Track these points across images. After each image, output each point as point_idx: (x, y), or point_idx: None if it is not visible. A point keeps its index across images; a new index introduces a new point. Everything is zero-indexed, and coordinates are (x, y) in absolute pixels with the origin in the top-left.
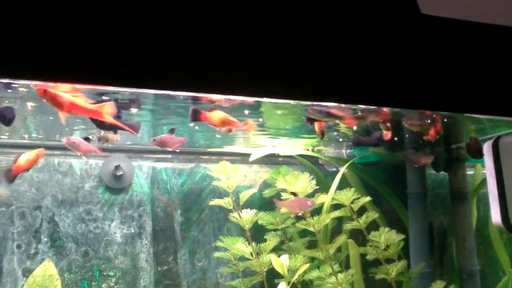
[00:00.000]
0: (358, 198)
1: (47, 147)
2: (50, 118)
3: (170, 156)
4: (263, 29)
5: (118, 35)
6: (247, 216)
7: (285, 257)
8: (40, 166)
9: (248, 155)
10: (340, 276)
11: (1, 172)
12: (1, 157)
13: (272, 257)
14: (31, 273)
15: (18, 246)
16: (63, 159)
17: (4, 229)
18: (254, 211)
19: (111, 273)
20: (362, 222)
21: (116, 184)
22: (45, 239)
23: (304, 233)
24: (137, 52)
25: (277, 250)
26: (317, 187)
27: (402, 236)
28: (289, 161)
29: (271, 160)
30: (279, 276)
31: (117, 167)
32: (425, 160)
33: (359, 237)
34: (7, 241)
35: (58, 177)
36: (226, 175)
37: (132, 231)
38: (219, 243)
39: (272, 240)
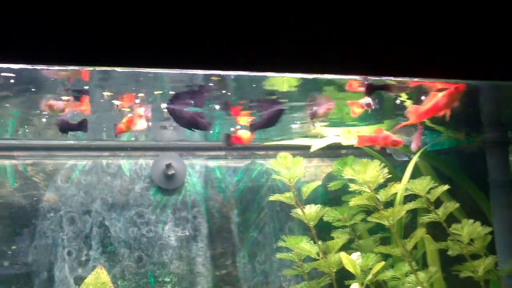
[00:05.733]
0: (435, 187)
1: (94, 149)
2: (96, 116)
3: (223, 153)
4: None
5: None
6: (311, 212)
7: (356, 255)
8: (87, 168)
9: (308, 147)
10: (421, 274)
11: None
12: (48, 161)
13: (343, 255)
14: (83, 280)
15: (69, 253)
16: (111, 160)
17: (53, 236)
18: (318, 206)
19: (167, 279)
20: (441, 214)
21: (168, 184)
22: (96, 245)
23: (374, 230)
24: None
25: (346, 249)
26: (390, 175)
27: (489, 229)
28: (353, 153)
29: (333, 153)
30: (349, 277)
31: (168, 166)
32: None
33: (434, 231)
34: (57, 248)
35: (107, 179)
36: (286, 168)
37: (187, 233)
38: (281, 244)
39: (340, 238)
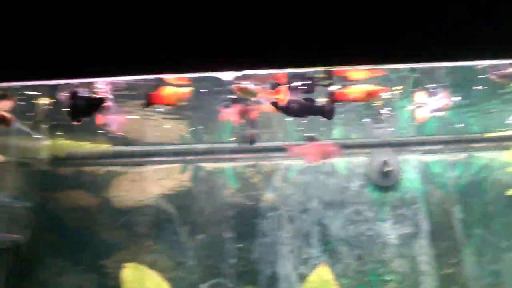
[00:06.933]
0: None
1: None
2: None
3: (440, 147)
4: None
5: None
6: None
7: None
8: (303, 168)
9: None
10: None
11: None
12: (265, 162)
13: None
14: (304, 278)
15: (290, 251)
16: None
17: (274, 234)
18: None
19: (389, 278)
20: None
21: (384, 181)
22: (316, 243)
23: None
24: None
25: None
26: None
27: None
28: None
29: None
30: None
31: (385, 163)
32: None
33: None
34: (278, 246)
35: (322, 178)
36: None
37: (407, 231)
38: None
39: None
